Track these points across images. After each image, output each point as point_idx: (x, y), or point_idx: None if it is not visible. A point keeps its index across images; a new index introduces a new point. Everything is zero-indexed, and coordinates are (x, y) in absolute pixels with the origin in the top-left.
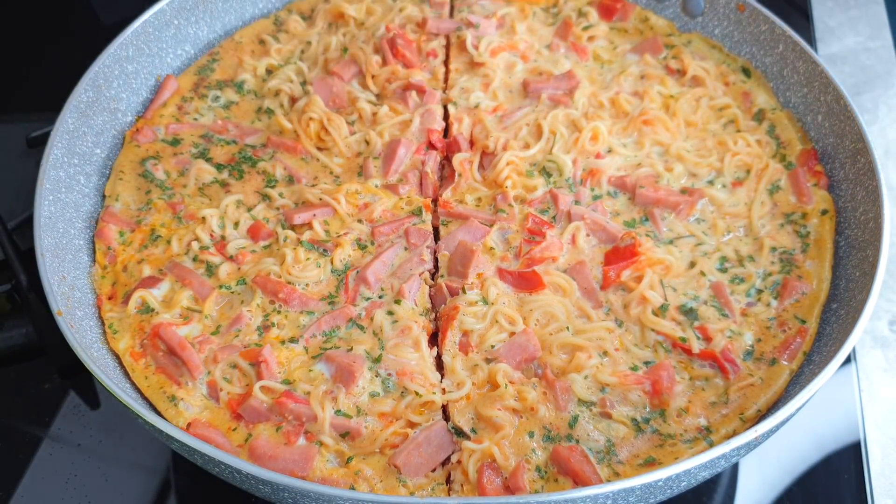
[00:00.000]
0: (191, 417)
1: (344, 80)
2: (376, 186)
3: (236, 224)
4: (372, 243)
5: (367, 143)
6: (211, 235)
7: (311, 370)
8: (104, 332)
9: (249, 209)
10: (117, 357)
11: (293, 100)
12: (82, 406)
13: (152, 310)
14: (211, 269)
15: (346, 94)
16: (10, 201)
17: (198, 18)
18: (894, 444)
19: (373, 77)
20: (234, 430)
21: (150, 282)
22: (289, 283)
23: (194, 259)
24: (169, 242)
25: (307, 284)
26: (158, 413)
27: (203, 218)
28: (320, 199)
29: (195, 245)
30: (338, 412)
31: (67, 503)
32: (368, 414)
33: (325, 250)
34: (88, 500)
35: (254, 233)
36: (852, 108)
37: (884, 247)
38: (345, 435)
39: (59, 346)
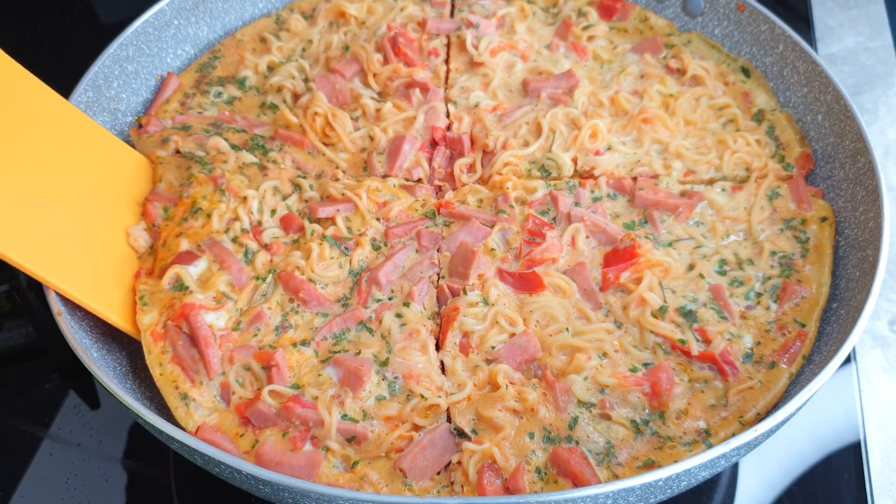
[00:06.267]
0: (200, 420)
1: (346, 77)
2: (394, 186)
3: (273, 211)
4: (385, 244)
5: (372, 138)
6: (249, 218)
7: (319, 375)
8: (104, 333)
9: (284, 198)
10: (116, 358)
11: (296, 96)
12: (82, 406)
13: (186, 287)
14: (248, 255)
15: (349, 92)
16: None
17: (198, 18)
18: (894, 444)
19: (374, 75)
20: (242, 435)
21: (188, 257)
22: (310, 280)
23: (234, 240)
24: (209, 216)
25: (326, 284)
26: (166, 413)
27: (245, 198)
28: (343, 195)
29: (237, 226)
30: (344, 416)
31: (67, 503)
32: (374, 418)
33: (346, 248)
34: (88, 500)
35: (286, 223)
36: (852, 108)
37: (884, 246)
38: (351, 439)
39: (59, 346)
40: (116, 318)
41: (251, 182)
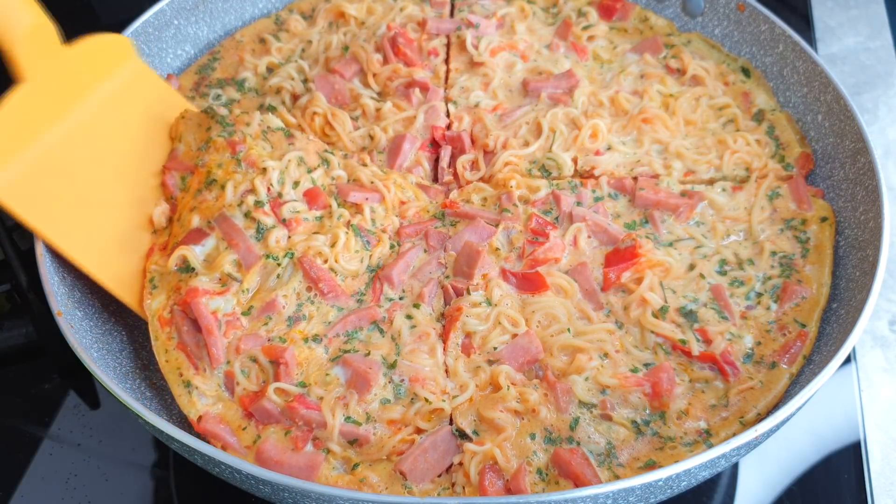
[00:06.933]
0: (203, 409)
1: (345, 78)
2: (413, 183)
3: (296, 183)
4: (398, 243)
5: (372, 138)
6: (268, 190)
7: (327, 374)
8: (104, 333)
9: (310, 170)
10: (116, 358)
11: (295, 97)
12: (82, 406)
13: (192, 269)
14: (261, 231)
15: (349, 92)
16: None
17: (198, 18)
18: (894, 444)
19: (374, 75)
20: (244, 429)
21: (197, 236)
22: (332, 270)
23: (246, 215)
24: (223, 188)
25: (345, 277)
26: (167, 412)
27: (264, 169)
28: (371, 183)
29: (250, 199)
30: (348, 419)
31: (67, 503)
32: (378, 421)
33: (367, 241)
34: (88, 500)
35: (310, 198)
36: (852, 108)
37: (884, 246)
38: (353, 442)
39: (59, 346)
40: (125, 295)
41: (274, 149)
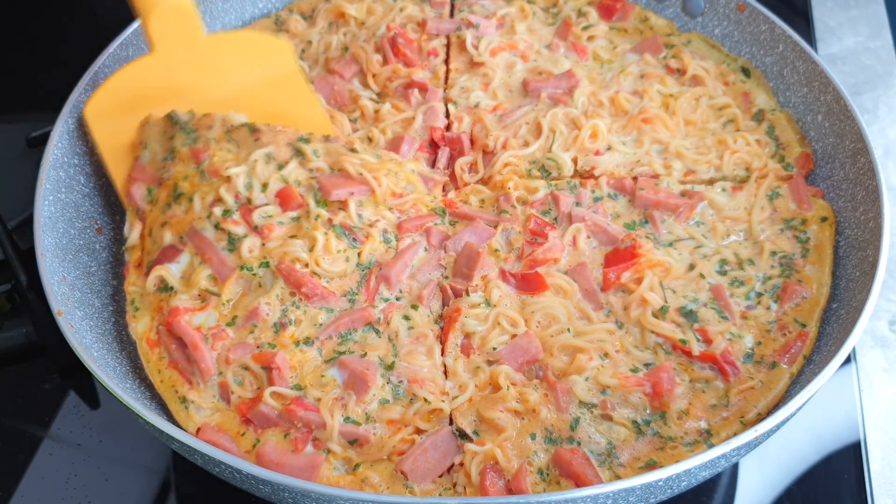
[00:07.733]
0: (201, 421)
1: (345, 78)
2: (412, 171)
3: (265, 186)
4: (396, 238)
5: (370, 140)
6: (236, 197)
7: (323, 375)
8: (104, 333)
9: (280, 166)
10: (116, 358)
11: None
12: (82, 406)
13: (171, 288)
14: (233, 242)
15: (348, 93)
16: (10, 201)
17: None
18: (894, 444)
19: (374, 76)
20: (243, 434)
21: (171, 253)
22: (314, 274)
23: (216, 226)
24: (191, 200)
25: (332, 279)
26: (167, 414)
27: (229, 177)
28: (360, 174)
29: (217, 210)
30: (347, 419)
31: (67, 503)
32: (377, 421)
33: (354, 239)
34: (88, 500)
35: (283, 199)
36: (852, 108)
37: (884, 246)
38: (353, 442)
39: (59, 346)
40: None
41: (240, 148)
